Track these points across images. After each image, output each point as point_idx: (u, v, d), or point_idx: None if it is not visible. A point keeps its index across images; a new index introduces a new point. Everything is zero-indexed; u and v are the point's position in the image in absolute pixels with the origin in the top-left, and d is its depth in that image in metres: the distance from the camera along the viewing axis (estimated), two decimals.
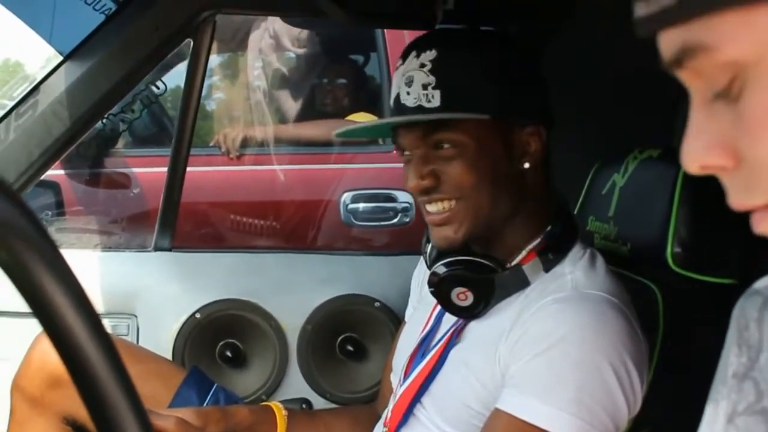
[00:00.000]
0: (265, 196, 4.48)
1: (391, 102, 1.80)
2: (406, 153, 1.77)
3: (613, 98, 2.54)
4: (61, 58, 2.31)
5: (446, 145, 1.71)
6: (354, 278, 2.71)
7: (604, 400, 1.55)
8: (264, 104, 4.60)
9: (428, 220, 1.78)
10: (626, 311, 1.62)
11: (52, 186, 3.96)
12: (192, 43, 2.40)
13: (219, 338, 2.65)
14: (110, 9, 2.25)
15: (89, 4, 2.18)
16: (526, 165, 1.74)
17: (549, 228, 1.77)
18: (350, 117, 4.55)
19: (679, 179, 1.75)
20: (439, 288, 1.78)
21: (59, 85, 2.27)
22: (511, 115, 1.73)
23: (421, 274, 2.09)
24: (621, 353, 1.56)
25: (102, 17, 2.26)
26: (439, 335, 1.86)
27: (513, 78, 1.74)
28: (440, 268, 1.78)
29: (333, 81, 4.69)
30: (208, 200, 4.31)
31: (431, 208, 1.75)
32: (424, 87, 1.71)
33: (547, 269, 1.72)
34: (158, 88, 2.73)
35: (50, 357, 2.04)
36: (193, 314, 2.60)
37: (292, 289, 2.68)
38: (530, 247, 1.76)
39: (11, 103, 2.33)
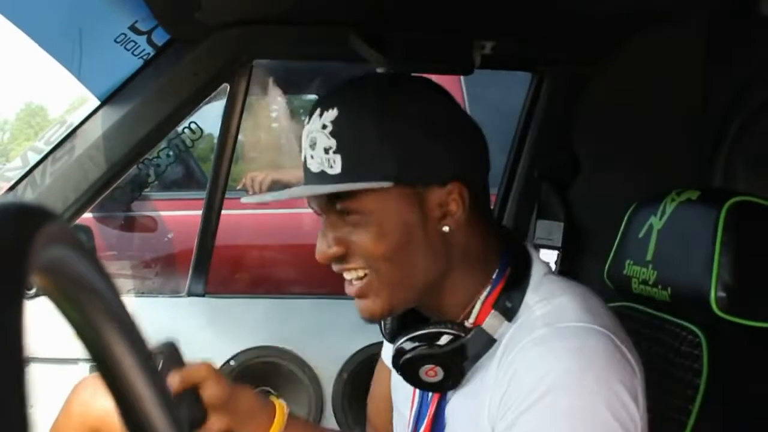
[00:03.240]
0: (292, 239, 4.49)
1: (302, 162, 1.67)
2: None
3: (650, 139, 2.53)
4: (85, 103, 2.32)
5: (350, 214, 1.58)
6: None
7: None
8: (291, 147, 4.61)
9: (347, 290, 1.66)
10: (607, 334, 1.53)
11: (85, 230, 3.96)
12: (229, 87, 2.41)
13: (253, 386, 2.63)
14: (149, 54, 2.25)
15: (128, 50, 2.19)
16: (446, 228, 1.60)
17: (495, 274, 1.65)
18: None
19: (721, 222, 1.74)
20: (405, 369, 1.66)
21: (96, 129, 2.28)
22: (418, 179, 1.58)
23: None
24: (612, 386, 1.47)
25: (140, 62, 2.26)
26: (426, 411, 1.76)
27: (419, 137, 1.58)
28: (403, 346, 1.65)
29: None
30: (233, 243, 4.31)
31: (347, 276, 1.64)
32: (326, 151, 1.57)
33: (510, 318, 1.60)
34: (194, 132, 2.73)
35: (91, 407, 2.02)
36: (227, 362, 2.59)
37: (327, 336, 2.67)
38: (482, 298, 1.64)
39: (47, 148, 2.33)
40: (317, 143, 1.58)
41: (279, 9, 2.21)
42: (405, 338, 1.64)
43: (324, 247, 1.61)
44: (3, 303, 0.49)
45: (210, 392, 1.74)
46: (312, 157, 1.60)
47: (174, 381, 1.70)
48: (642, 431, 1.51)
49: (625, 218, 2.08)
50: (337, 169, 1.56)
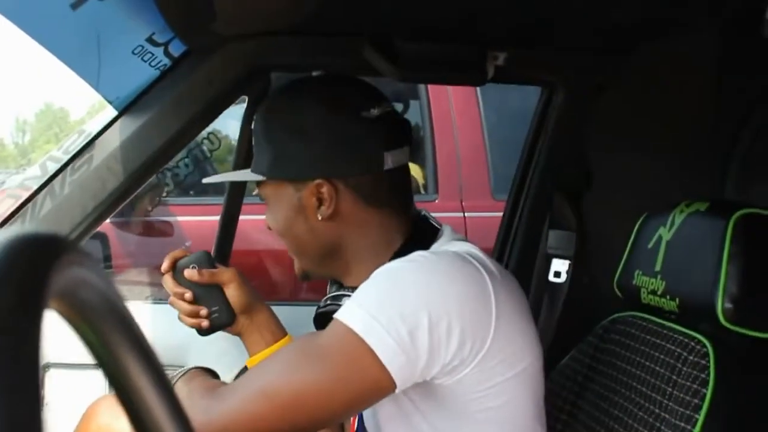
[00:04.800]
0: None
1: None
2: None
3: (663, 150, 2.54)
4: (107, 106, 2.34)
5: (262, 197, 1.93)
6: None
7: (407, 319, 1.58)
8: None
9: None
10: (479, 267, 1.68)
11: (101, 237, 3.99)
12: (247, 98, 2.44)
13: None
14: (165, 65, 2.28)
15: (145, 61, 2.21)
16: (319, 217, 1.84)
17: (398, 247, 1.86)
18: None
19: (729, 233, 1.75)
20: (316, 324, 1.92)
21: (114, 139, 2.30)
22: (285, 175, 1.87)
23: None
24: (435, 291, 1.62)
25: (157, 73, 2.29)
26: None
27: (287, 139, 1.85)
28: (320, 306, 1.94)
29: None
30: (249, 249, 4.32)
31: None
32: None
33: None
34: (213, 143, 2.75)
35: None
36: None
37: None
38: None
39: (66, 157, 2.35)
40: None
41: (294, 20, 2.23)
42: (322, 300, 1.93)
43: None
44: (25, 330, 0.52)
45: (233, 293, 2.02)
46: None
47: (202, 277, 2.01)
48: (428, 355, 1.60)
49: (635, 229, 2.09)
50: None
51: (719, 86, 2.46)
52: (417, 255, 1.70)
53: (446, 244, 1.82)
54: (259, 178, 1.87)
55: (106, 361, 0.71)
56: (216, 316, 2.02)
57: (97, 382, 2.42)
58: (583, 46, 2.49)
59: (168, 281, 2.02)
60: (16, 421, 0.46)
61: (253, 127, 1.91)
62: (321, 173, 1.82)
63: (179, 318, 2.05)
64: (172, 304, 2.04)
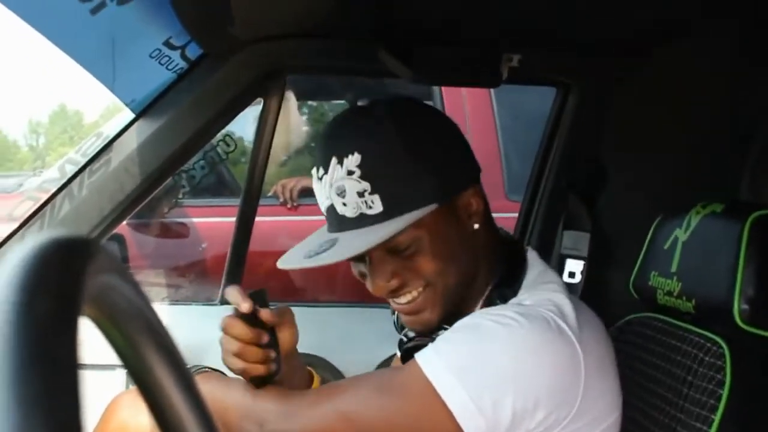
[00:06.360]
0: None
1: (324, 210, 1.72)
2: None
3: (678, 151, 2.54)
4: (122, 109, 2.35)
5: (403, 247, 1.65)
6: None
7: (493, 390, 1.53)
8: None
9: (397, 309, 1.77)
10: (570, 334, 1.60)
11: (118, 239, 4.00)
12: (263, 101, 2.46)
13: None
14: (182, 68, 2.29)
15: (162, 65, 2.22)
16: (476, 226, 1.73)
17: (496, 275, 1.77)
18: None
19: (745, 235, 1.75)
20: (405, 356, 1.82)
21: (131, 142, 2.31)
22: (454, 191, 1.70)
23: None
24: (539, 380, 1.55)
25: (174, 76, 2.30)
26: None
27: (443, 152, 1.70)
28: (407, 335, 1.84)
29: None
30: (264, 250, 4.32)
31: (401, 300, 1.73)
32: (360, 195, 1.62)
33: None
34: (228, 145, 2.75)
35: (130, 426, 2.00)
36: None
37: (358, 344, 2.69)
38: (481, 301, 1.77)
39: (83, 160, 2.36)
40: (347, 190, 1.62)
41: (310, 23, 2.24)
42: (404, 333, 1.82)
43: (382, 283, 1.69)
44: (62, 330, 0.53)
45: (284, 335, 1.75)
46: (345, 204, 1.64)
47: (263, 316, 1.69)
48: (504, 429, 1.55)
49: (651, 230, 2.09)
50: (377, 208, 1.62)
51: (734, 89, 2.46)
52: (509, 318, 1.57)
53: (535, 285, 1.74)
54: (432, 207, 1.64)
55: (134, 364, 0.72)
56: (275, 362, 1.74)
57: (112, 383, 2.42)
58: (597, 48, 2.49)
59: (241, 326, 1.67)
60: (59, 429, 0.47)
61: (376, 170, 1.62)
62: (473, 175, 1.76)
63: (239, 370, 1.70)
64: (239, 354, 1.68)
